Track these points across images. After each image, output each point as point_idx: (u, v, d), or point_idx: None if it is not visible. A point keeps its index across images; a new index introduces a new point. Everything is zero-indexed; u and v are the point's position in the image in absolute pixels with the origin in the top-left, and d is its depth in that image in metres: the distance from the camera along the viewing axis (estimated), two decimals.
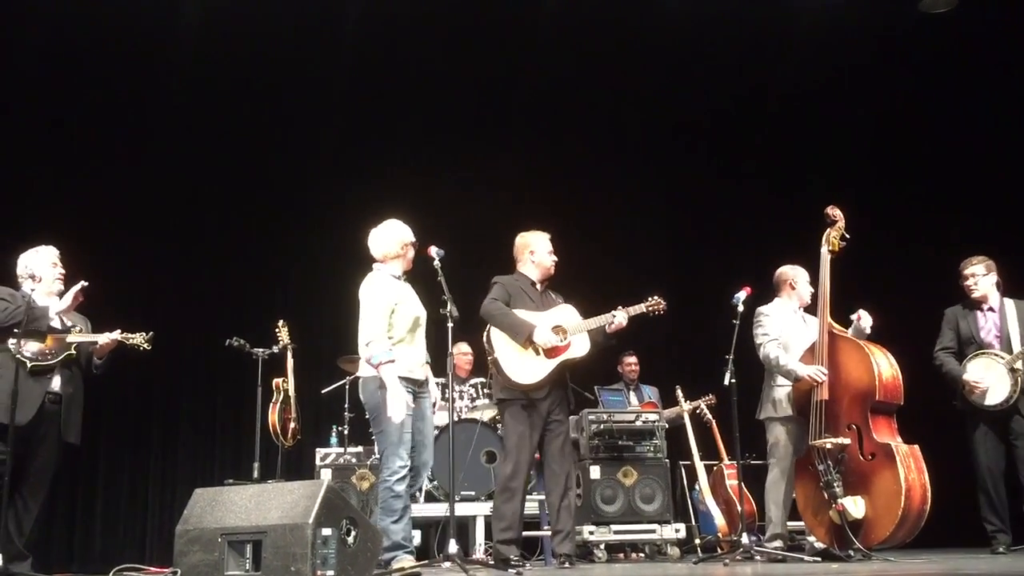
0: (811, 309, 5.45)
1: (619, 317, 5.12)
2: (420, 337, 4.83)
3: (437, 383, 7.04)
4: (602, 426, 6.25)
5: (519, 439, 4.98)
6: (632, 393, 7.81)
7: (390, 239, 4.84)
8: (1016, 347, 5.42)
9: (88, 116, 8.04)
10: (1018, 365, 5.35)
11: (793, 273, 5.57)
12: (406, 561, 4.51)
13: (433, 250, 4.85)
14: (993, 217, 8.23)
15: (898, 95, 8.87)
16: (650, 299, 5.27)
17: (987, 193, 8.54)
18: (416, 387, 4.73)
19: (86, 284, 4.86)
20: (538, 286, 5.27)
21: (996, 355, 5.46)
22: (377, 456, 4.84)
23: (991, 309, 5.62)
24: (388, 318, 4.64)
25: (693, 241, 9.15)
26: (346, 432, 6.97)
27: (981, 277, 5.62)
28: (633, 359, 7.96)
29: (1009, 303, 5.59)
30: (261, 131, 8.54)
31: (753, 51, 8.54)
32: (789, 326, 5.41)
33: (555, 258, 5.31)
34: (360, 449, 6.86)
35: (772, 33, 8.34)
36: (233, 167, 8.55)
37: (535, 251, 5.27)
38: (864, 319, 5.22)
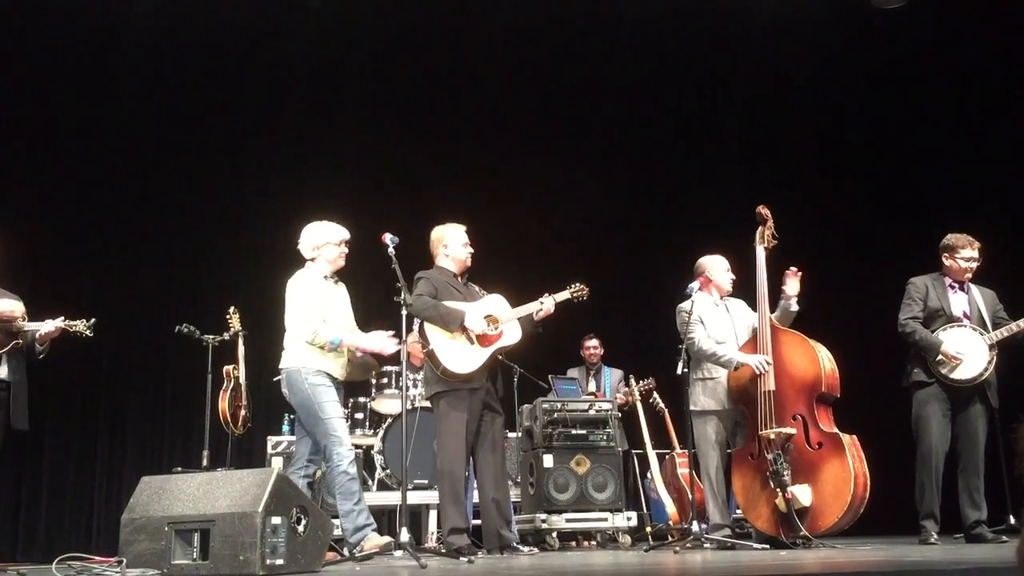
0: (749, 296, 5.46)
1: (547, 304, 5.22)
2: None
3: (391, 371, 7.08)
4: (556, 415, 6.27)
5: (457, 429, 5.00)
6: (592, 378, 7.81)
7: (304, 242, 4.96)
8: (989, 326, 5.33)
9: (35, 96, 7.84)
10: (994, 342, 5.24)
11: (709, 263, 5.55)
12: (376, 539, 4.54)
13: (388, 237, 4.85)
14: (926, 209, 8.33)
15: (848, 90, 8.98)
16: (573, 285, 5.41)
17: (931, 188, 8.67)
18: (336, 385, 4.83)
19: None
20: (459, 278, 5.29)
21: (975, 328, 5.33)
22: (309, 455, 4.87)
23: (962, 288, 5.51)
24: (321, 312, 4.77)
25: (657, 227, 9.17)
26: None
27: (977, 261, 5.50)
28: (594, 342, 7.90)
29: (974, 287, 5.53)
30: (214, 115, 8.39)
31: (706, 41, 8.60)
32: (711, 318, 5.39)
33: (471, 250, 5.33)
34: None
35: (725, 25, 8.40)
36: (184, 150, 8.38)
37: (448, 245, 5.31)
38: (791, 285, 5.25)
